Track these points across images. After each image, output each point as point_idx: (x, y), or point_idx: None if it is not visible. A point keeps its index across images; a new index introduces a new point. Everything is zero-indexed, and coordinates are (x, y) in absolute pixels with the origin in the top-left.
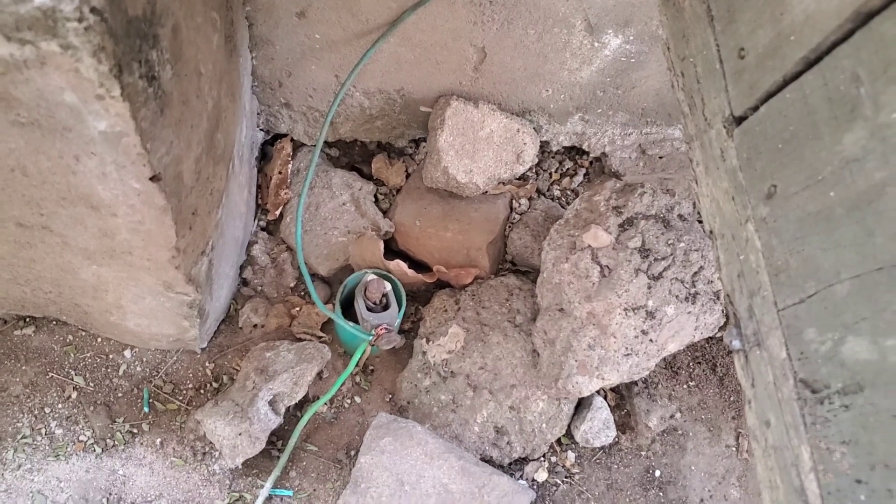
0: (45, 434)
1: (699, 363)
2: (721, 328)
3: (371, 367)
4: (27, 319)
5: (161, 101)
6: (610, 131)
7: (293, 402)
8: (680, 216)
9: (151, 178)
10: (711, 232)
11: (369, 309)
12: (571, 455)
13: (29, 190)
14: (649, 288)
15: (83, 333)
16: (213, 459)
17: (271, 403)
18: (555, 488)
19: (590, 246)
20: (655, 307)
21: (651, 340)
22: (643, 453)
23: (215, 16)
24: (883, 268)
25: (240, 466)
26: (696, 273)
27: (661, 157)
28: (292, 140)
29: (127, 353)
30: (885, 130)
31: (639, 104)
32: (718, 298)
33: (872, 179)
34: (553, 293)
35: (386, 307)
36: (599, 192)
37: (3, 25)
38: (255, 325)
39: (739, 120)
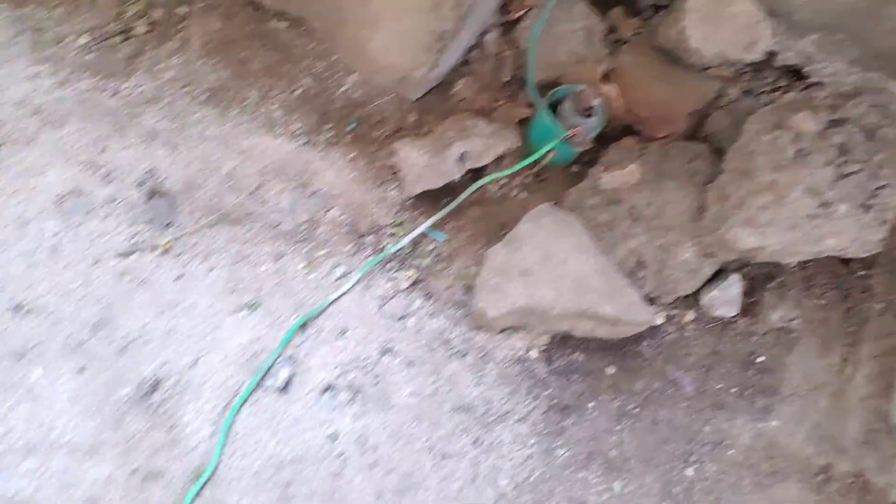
0: (266, 112)
1: (835, 288)
2: (870, 264)
3: (542, 178)
4: (283, 15)
5: None
6: (836, 64)
7: (477, 166)
8: (884, 136)
9: None
10: None
11: (575, 113)
12: (691, 314)
13: None
14: (834, 182)
15: (324, 47)
16: (390, 188)
17: (460, 158)
18: (665, 335)
19: (795, 127)
20: (832, 200)
21: (816, 226)
22: (754, 339)
23: None
24: None
25: (411, 200)
26: (879, 188)
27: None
28: None
29: (352, 77)
30: None
31: (878, 45)
32: (886, 224)
33: None
34: (743, 158)
35: (589, 117)
36: (822, 89)
37: None
38: (463, 99)
39: None
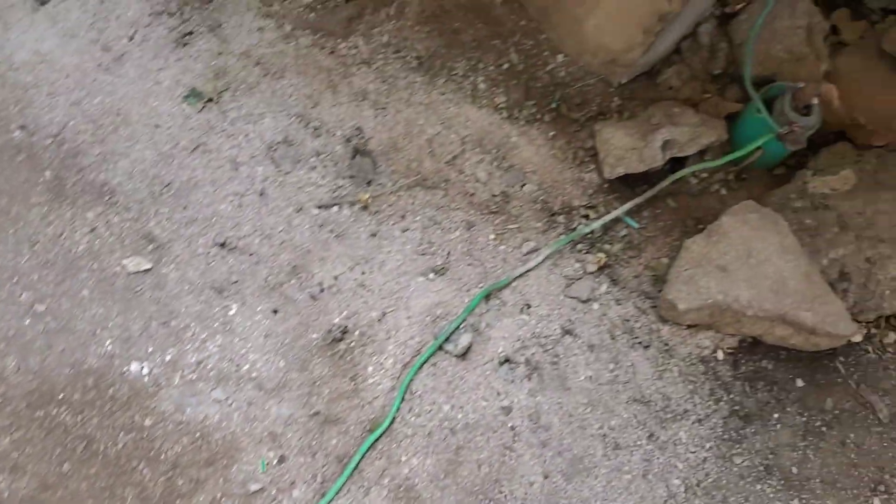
0: (472, 82)
1: None
2: None
3: (744, 176)
4: None
5: None
6: None
7: (680, 155)
8: None
9: None
10: None
11: (793, 109)
12: (893, 335)
13: None
14: None
15: (534, 25)
16: (587, 170)
17: (663, 145)
18: (863, 353)
19: None
20: None
21: None
22: None
23: None
24: None
25: (608, 184)
26: None
27: None
28: None
29: (558, 57)
30: None
31: None
32: None
33: None
34: None
35: (807, 116)
36: None
37: None
38: (671, 87)
39: None
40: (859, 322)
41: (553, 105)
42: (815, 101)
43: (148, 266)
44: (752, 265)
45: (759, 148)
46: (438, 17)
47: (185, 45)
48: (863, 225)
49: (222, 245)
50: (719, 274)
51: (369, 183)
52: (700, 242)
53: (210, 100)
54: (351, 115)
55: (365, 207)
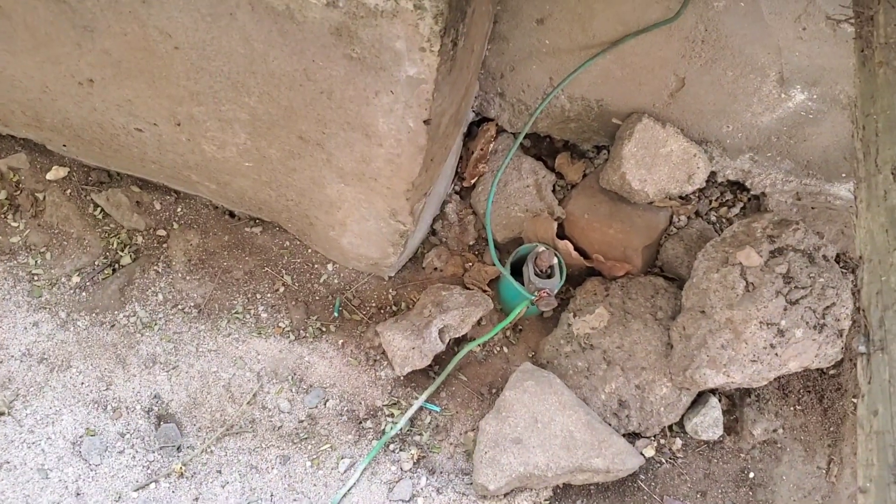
0: (253, 315)
1: (809, 392)
2: (837, 364)
3: (520, 328)
4: (256, 221)
5: (452, 63)
6: (773, 175)
7: (456, 336)
8: (825, 256)
9: (424, 122)
10: (861, 257)
11: (536, 275)
12: (679, 442)
13: (325, 111)
14: (785, 310)
15: (297, 243)
16: (381, 367)
17: (440, 332)
18: (658, 465)
19: (741, 263)
20: (787, 327)
21: (776, 354)
22: (742, 455)
23: (491, 8)
24: None
25: (402, 377)
26: (828, 307)
27: (812, 208)
28: (497, 125)
29: (329, 266)
30: None
31: (805, 156)
32: (842, 335)
33: None
34: (698, 297)
35: (549, 276)
36: (758, 221)
37: None
38: (436, 269)
39: None
40: (648, 438)
41: (335, 314)
42: (555, 261)
43: None
44: (541, 429)
45: (523, 308)
46: (206, 261)
47: None
48: (625, 357)
49: None
50: (515, 447)
51: (179, 448)
52: (492, 422)
53: (2, 413)
54: (146, 385)
55: (181, 475)
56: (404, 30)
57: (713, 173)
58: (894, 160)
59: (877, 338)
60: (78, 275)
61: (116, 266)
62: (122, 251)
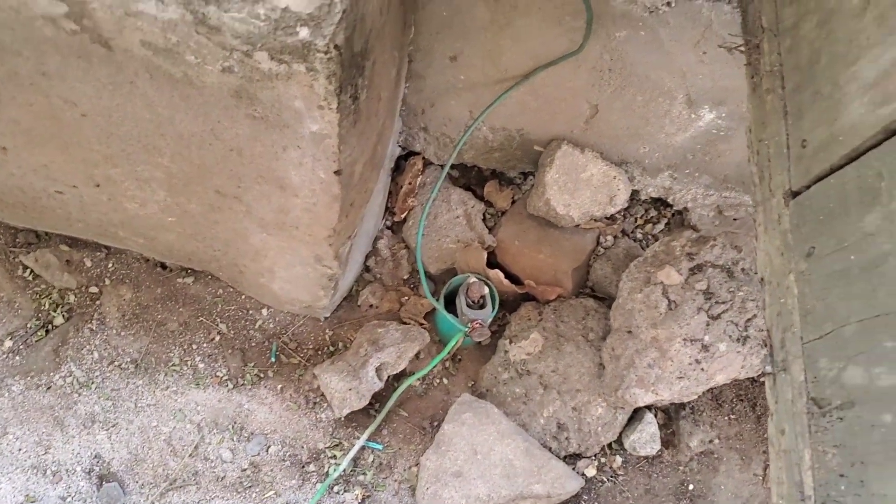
0: (191, 366)
1: (742, 400)
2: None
3: (459, 357)
4: (188, 271)
5: (356, 115)
6: (693, 190)
7: (394, 373)
8: (743, 270)
9: (335, 172)
10: (762, 279)
11: (468, 306)
12: (619, 459)
13: (238, 167)
14: (707, 325)
15: (230, 290)
16: (322, 409)
17: (377, 370)
18: (600, 484)
19: (662, 282)
20: (710, 342)
21: (702, 369)
22: (681, 468)
23: (395, 54)
24: (880, 315)
25: (343, 418)
26: (749, 319)
27: (735, 219)
28: (423, 158)
29: (263, 311)
30: (894, 215)
31: (721, 171)
32: (766, 345)
33: (880, 250)
34: (624, 317)
35: (482, 307)
36: (677, 239)
37: (271, 48)
38: (371, 306)
39: (795, 194)
40: (588, 458)
41: (272, 359)
42: (486, 290)
43: None
44: (480, 460)
45: (458, 340)
46: (140, 315)
47: None
48: (560, 381)
49: None
50: (456, 481)
51: None
52: (433, 457)
53: None
54: (85, 446)
55: None
56: (300, 90)
57: (635, 192)
58: (785, 186)
59: (779, 358)
60: (10, 339)
61: (49, 327)
62: (55, 311)
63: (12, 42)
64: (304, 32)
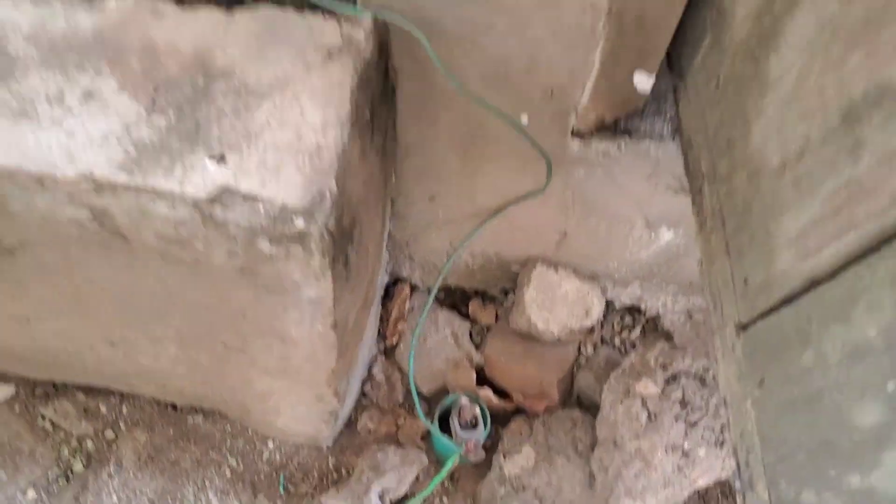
0: (205, 501)
1: (727, 497)
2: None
3: (457, 476)
4: (198, 409)
5: (347, 276)
6: (663, 298)
7: (397, 496)
8: (714, 377)
9: (332, 326)
10: (725, 399)
11: (462, 427)
12: None
13: (243, 325)
14: (686, 433)
15: (238, 425)
16: None
17: (380, 496)
18: None
19: (641, 394)
20: (690, 448)
21: (685, 475)
22: None
23: (380, 207)
24: (822, 444)
25: None
26: (724, 424)
27: (704, 323)
28: (410, 284)
29: (269, 443)
30: (825, 355)
31: (686, 279)
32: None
33: (817, 385)
34: (609, 428)
35: (475, 426)
36: (650, 352)
37: (271, 237)
38: (370, 430)
39: (744, 326)
40: None
41: (281, 491)
42: (478, 410)
43: None
44: None
45: (455, 460)
46: (155, 456)
47: None
48: (554, 494)
49: None
50: None
51: None
52: None
53: None
54: None
55: None
56: (298, 266)
57: (610, 302)
58: (735, 318)
59: (745, 476)
60: (32, 488)
61: (70, 474)
62: (74, 457)
63: (41, 239)
64: (300, 223)
